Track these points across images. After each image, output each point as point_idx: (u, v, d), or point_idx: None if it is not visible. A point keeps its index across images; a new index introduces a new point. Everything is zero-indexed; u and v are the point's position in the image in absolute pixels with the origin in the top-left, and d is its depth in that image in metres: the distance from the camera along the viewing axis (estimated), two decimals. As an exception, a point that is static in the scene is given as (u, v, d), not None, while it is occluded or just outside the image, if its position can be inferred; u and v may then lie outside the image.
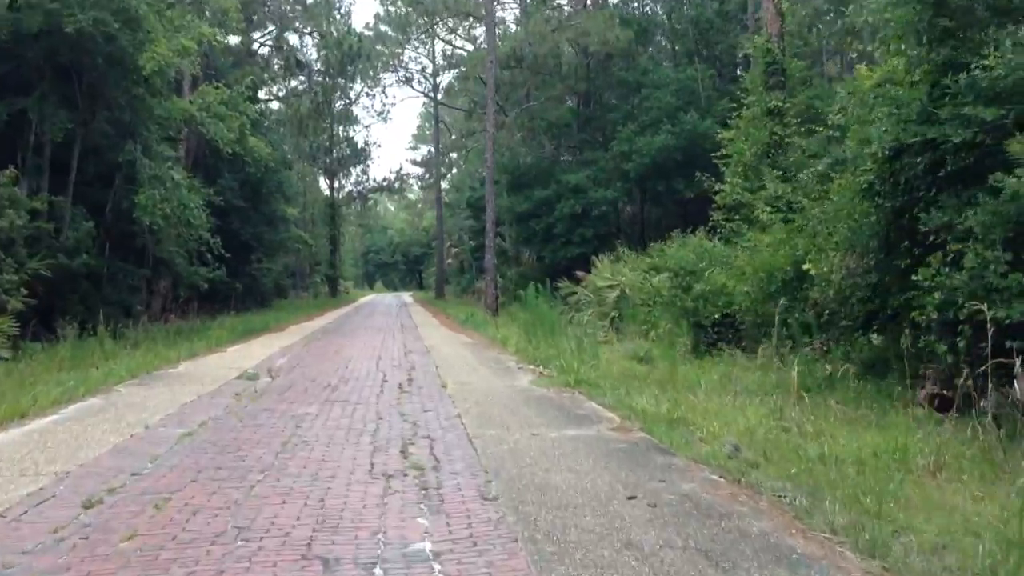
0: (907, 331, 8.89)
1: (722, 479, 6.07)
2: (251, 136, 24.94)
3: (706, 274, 17.24)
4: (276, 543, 4.81)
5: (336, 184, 64.52)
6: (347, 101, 53.30)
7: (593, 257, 25.76)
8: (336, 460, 7.02)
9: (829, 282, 11.66)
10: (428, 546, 4.72)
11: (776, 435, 7.58)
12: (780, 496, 5.51)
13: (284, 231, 42.30)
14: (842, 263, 11.53)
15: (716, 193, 19.68)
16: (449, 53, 47.74)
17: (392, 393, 10.99)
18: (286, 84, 45.04)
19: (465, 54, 44.65)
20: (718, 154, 20.45)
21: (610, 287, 21.26)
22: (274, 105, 49.47)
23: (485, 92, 46.22)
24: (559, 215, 31.16)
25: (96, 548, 4.82)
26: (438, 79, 51.87)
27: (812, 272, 11.88)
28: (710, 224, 19.87)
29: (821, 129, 16.16)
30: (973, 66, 8.48)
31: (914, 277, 8.39)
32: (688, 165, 30.06)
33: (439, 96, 52.04)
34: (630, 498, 5.50)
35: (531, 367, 13.51)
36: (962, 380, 7.95)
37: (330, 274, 60.55)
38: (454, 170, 71.06)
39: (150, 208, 19.63)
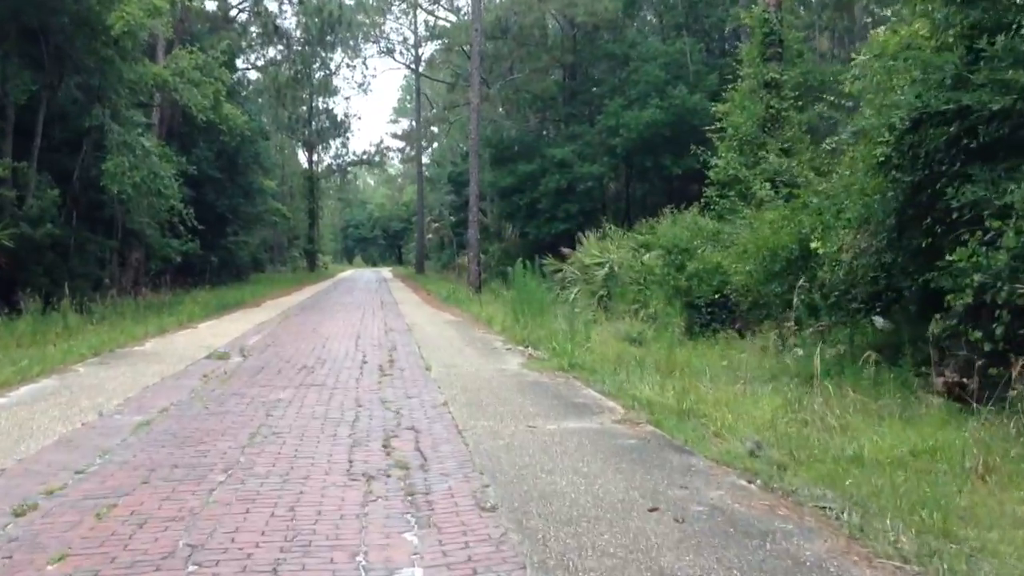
0: (936, 317, 8.13)
1: (752, 485, 5.30)
2: (227, 104, 23.77)
3: (700, 252, 16.52)
4: (234, 569, 3.98)
5: (315, 157, 63.29)
6: (327, 72, 51.90)
7: (579, 234, 24.95)
8: (310, 456, 6.19)
9: (838, 262, 10.92)
10: (418, 574, 3.91)
11: (797, 429, 6.82)
12: (824, 509, 4.75)
13: (261, 203, 41.17)
14: (853, 242, 10.79)
15: (710, 168, 18.90)
16: (432, 24, 46.49)
17: (373, 376, 10.16)
18: (264, 52, 43.73)
19: (448, 25, 43.45)
20: (712, 128, 19.60)
21: (598, 265, 20.46)
22: (252, 75, 48.18)
23: (468, 64, 45.09)
24: (544, 190, 30.29)
25: (17, 573, 3.98)
26: (420, 51, 50.68)
27: (820, 251, 11.12)
28: (703, 200, 19.08)
29: (824, 100, 15.44)
30: (1015, 26, 7.69)
31: (949, 257, 7.62)
32: (676, 141, 29.26)
33: (421, 68, 50.80)
34: (652, 510, 4.72)
35: (520, 348, 12.71)
36: (980, 368, 7.33)
37: (308, 248, 59.38)
38: (435, 144, 69.87)
39: (118, 176, 18.57)
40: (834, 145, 10.73)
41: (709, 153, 19.02)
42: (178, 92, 22.14)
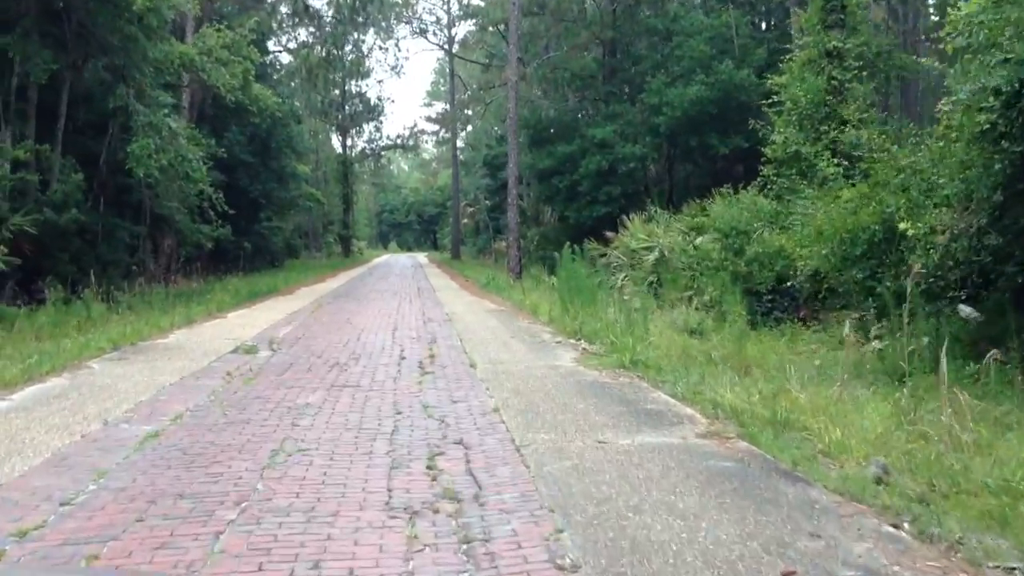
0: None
1: (901, 532, 4.13)
2: (256, 84, 22.81)
3: (760, 235, 15.29)
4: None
5: (349, 142, 62.44)
6: (359, 54, 50.85)
7: (622, 217, 23.70)
8: (341, 482, 5.12)
9: (932, 245, 9.65)
10: None
11: (921, 446, 5.63)
12: (1014, 572, 3.58)
13: (295, 188, 40.30)
14: (951, 222, 9.52)
15: (766, 145, 17.61)
16: (466, 2, 45.19)
17: (412, 375, 9.10)
18: (295, 33, 42.73)
19: (483, 3, 42.14)
20: (767, 102, 18.29)
21: (647, 249, 19.24)
22: (285, 59, 47.34)
23: (503, 44, 43.86)
24: (584, 172, 29.03)
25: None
26: (454, 31, 49.43)
27: (910, 233, 9.86)
28: (761, 179, 17.80)
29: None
30: None
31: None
32: (722, 119, 27.93)
33: (455, 49, 49.59)
34: (787, 575, 3.57)
35: (572, 342, 11.58)
36: None
37: (343, 234, 58.59)
38: (469, 127, 68.76)
39: (144, 159, 17.66)
40: (955, 103, 9.30)
41: (768, 128, 17.71)
42: (206, 72, 21.21)
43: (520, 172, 31.20)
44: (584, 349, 10.78)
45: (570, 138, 30.04)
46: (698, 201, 22.57)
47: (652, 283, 18.50)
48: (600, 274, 24.16)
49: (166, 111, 19.06)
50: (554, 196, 31.05)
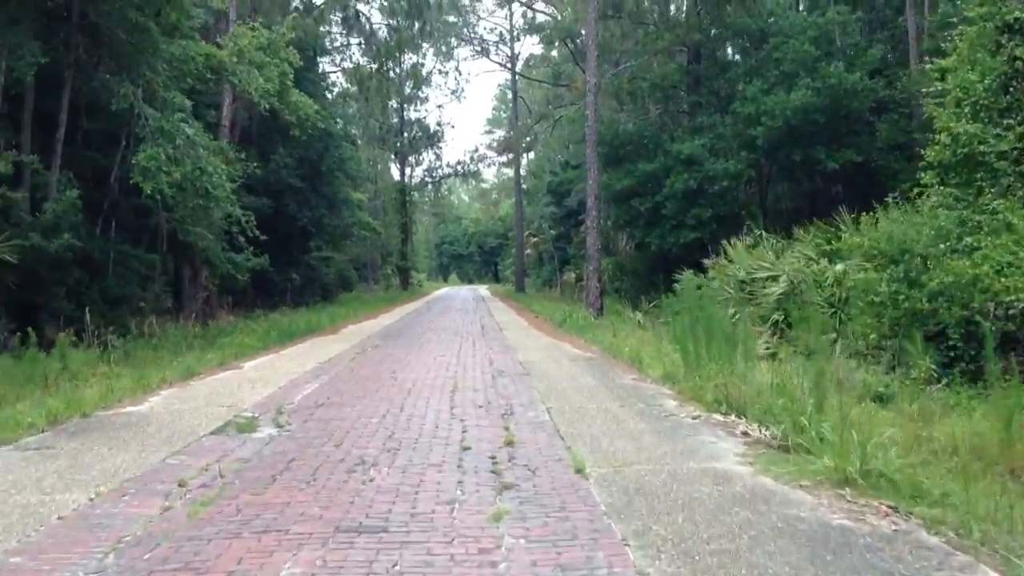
0: None
1: None
2: (295, 92, 19.46)
3: (944, 259, 11.25)
4: None
5: (408, 170, 59.55)
6: (418, 77, 47.83)
7: (715, 243, 19.85)
8: None
9: None
10: None
11: None
12: None
13: (348, 216, 37.10)
14: None
15: (930, 145, 13.55)
16: (531, 16, 41.83)
17: (480, 494, 5.26)
18: (348, 52, 39.69)
19: (548, 17, 38.74)
20: (929, 90, 14.27)
21: (770, 279, 15.25)
22: (342, 82, 44.58)
23: (570, 62, 40.37)
24: (668, 192, 25.11)
25: None
26: (517, 48, 46.09)
27: None
28: (917, 189, 13.73)
29: None
30: None
31: None
32: (830, 129, 23.88)
33: (518, 68, 46.25)
34: None
35: (718, 418, 7.63)
36: None
37: (401, 265, 55.26)
38: (531, 155, 65.39)
39: (153, 171, 14.33)
40: None
41: (933, 126, 13.65)
42: (236, 76, 17.96)
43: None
44: (746, 434, 6.83)
45: (651, 155, 26.20)
46: (812, 223, 18.80)
47: (778, 323, 14.53)
48: (740, 313, 20.47)
49: (182, 115, 15.71)
50: (633, 221, 27.14)
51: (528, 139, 39.16)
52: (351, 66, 35.82)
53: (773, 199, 28.12)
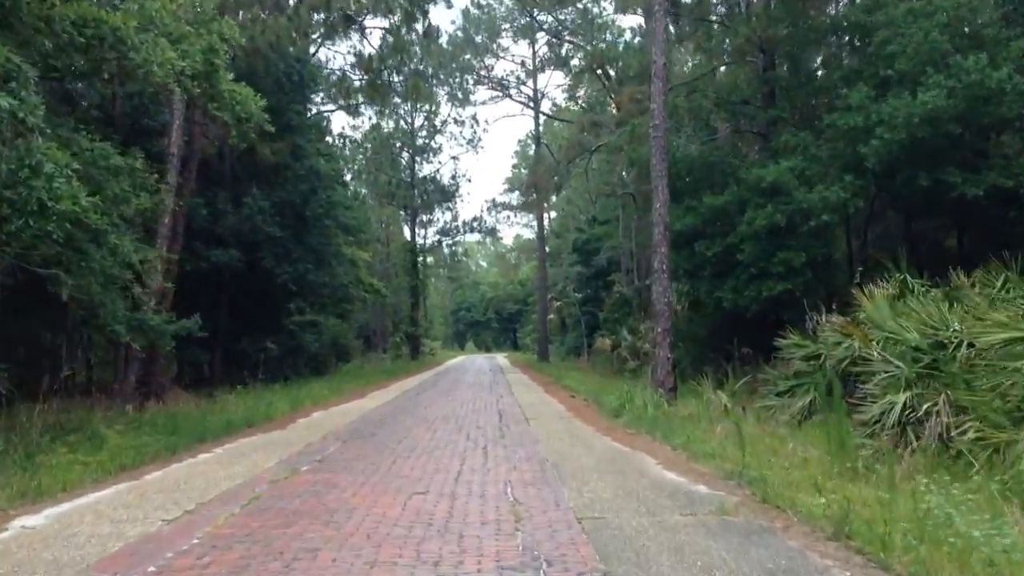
0: None
1: None
2: (229, 79, 13.10)
3: None
4: None
5: (420, 231, 53.44)
6: (431, 126, 42.00)
7: (859, 290, 13.32)
8: None
9: None
10: None
11: None
12: None
13: (343, 275, 30.69)
14: None
15: None
16: (556, 45, 35.76)
17: None
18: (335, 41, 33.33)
19: (572, 47, 32.74)
20: None
21: (938, 346, 8.76)
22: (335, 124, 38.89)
23: (598, 95, 34.44)
24: (746, 231, 18.51)
25: None
26: (540, 82, 40.06)
27: None
28: None
29: None
30: None
31: None
32: (964, 145, 17.41)
33: (541, 109, 40.23)
34: None
35: None
36: None
37: (410, 332, 48.46)
38: (552, 214, 59.29)
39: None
40: None
41: None
42: (137, 52, 11.68)
43: (640, 239, 21.07)
44: None
45: (721, 184, 19.75)
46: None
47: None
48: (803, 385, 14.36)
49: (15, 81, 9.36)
50: (695, 271, 20.49)
51: (555, 179, 32.72)
52: (337, 77, 29.28)
53: (875, 239, 21.51)
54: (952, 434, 8.47)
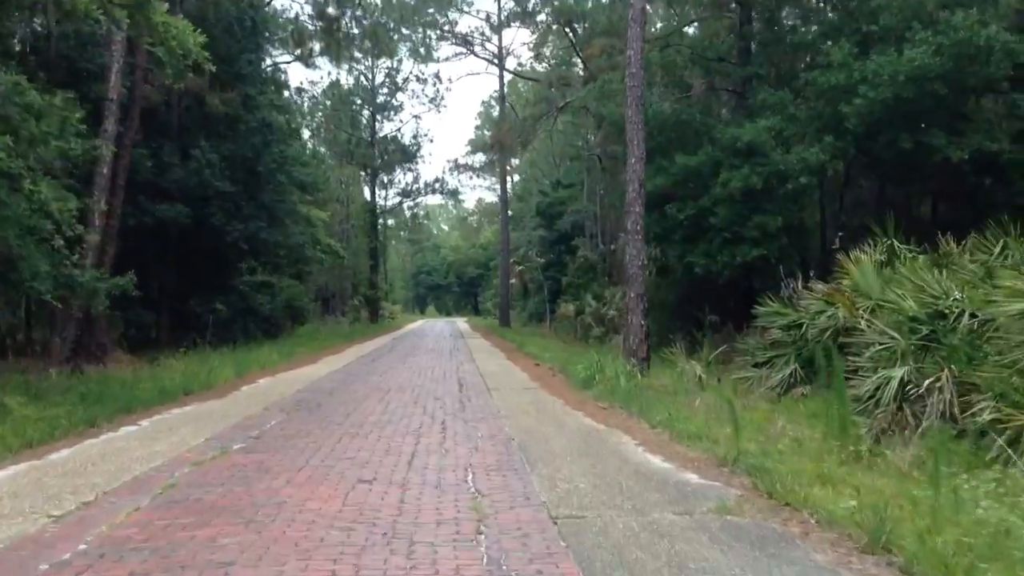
0: None
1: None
2: (161, 7, 11.70)
3: None
4: None
5: (380, 191, 51.80)
6: (392, 82, 40.36)
7: (846, 256, 12.51)
8: None
9: None
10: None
11: None
12: None
13: (299, 233, 29.26)
14: None
15: None
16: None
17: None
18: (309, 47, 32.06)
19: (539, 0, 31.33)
20: None
21: (938, 315, 7.98)
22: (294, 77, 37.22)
23: (563, 53, 33.13)
24: (720, 194, 17.58)
25: None
26: (504, 43, 38.54)
27: None
28: None
29: None
30: None
31: None
32: (949, 106, 16.63)
33: (505, 66, 38.72)
34: None
35: None
36: None
37: (369, 295, 46.99)
38: (516, 177, 57.98)
39: None
40: None
41: None
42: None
43: (607, 201, 20.09)
44: None
45: (695, 143, 18.77)
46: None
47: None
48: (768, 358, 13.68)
49: None
50: (666, 234, 19.50)
51: (519, 137, 31.43)
52: (293, 26, 27.55)
53: (848, 205, 20.72)
54: (962, 414, 7.62)
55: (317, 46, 30.81)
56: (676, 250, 19.49)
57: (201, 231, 23.52)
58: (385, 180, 51.72)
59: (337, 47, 26.21)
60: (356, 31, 32.10)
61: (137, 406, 10.14)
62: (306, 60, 29.37)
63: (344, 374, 15.56)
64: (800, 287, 13.58)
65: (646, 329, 12.96)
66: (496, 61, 38.70)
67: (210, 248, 24.39)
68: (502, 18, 36.57)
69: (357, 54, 39.77)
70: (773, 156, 17.41)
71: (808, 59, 19.02)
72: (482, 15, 39.04)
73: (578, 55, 29.53)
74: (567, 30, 29.34)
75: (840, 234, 17.50)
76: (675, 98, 20.09)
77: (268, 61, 31.23)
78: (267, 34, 26.37)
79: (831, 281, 12.93)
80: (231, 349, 21.09)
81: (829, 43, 17.96)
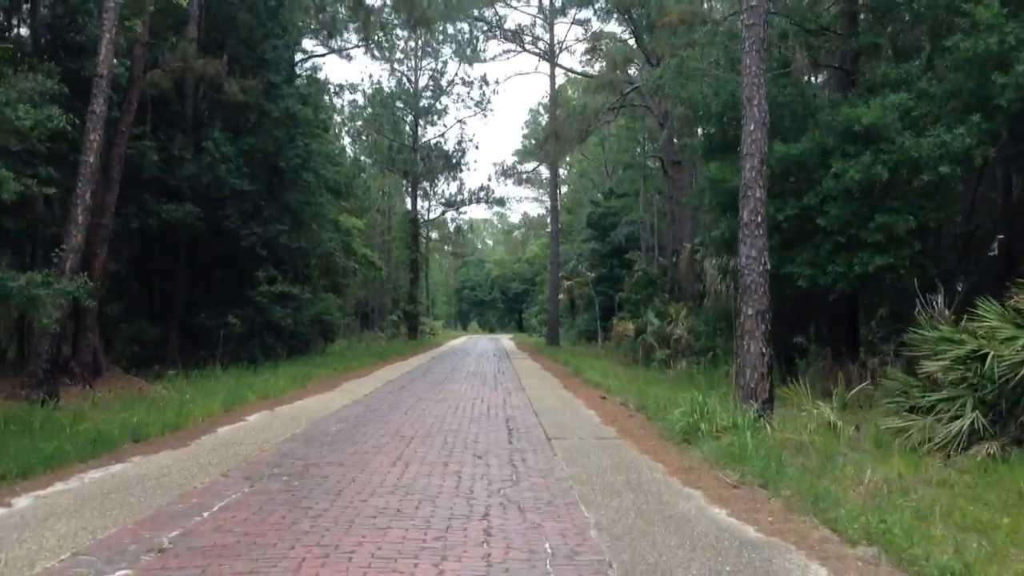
0: None
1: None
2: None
3: None
4: None
5: (423, 203, 48.67)
6: (436, 85, 37.22)
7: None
8: None
9: None
10: None
11: None
12: None
13: (327, 240, 26.04)
14: None
15: None
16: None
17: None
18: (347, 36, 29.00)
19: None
20: None
21: None
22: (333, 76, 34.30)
23: (625, 48, 29.63)
24: (832, 186, 13.91)
25: None
26: (557, 36, 34.99)
27: None
28: None
29: None
30: None
31: None
32: None
33: (556, 61, 35.21)
34: None
35: None
36: None
37: (409, 310, 43.60)
38: (565, 188, 54.54)
39: None
40: None
41: None
42: None
43: (702, 199, 16.54)
44: None
45: (795, 130, 15.14)
46: None
47: None
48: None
49: None
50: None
51: (577, 127, 27.86)
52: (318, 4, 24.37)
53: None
54: None
55: (354, 37, 27.81)
56: (771, 259, 15.71)
57: (214, 235, 20.44)
58: (428, 190, 48.61)
59: (370, 28, 22.91)
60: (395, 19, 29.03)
61: (37, 467, 6.78)
62: (340, 52, 26.24)
63: (361, 408, 12.08)
64: (945, 306, 9.80)
65: (768, 360, 9.27)
66: (547, 56, 35.26)
67: (225, 254, 21.27)
68: (555, 5, 33.12)
69: (398, 41, 36.69)
70: (901, 141, 13.63)
71: (940, 23, 15.15)
72: (533, 7, 35.63)
73: (639, 44, 26.00)
74: (626, 17, 25.81)
75: (1000, 236, 13.60)
76: (772, 75, 16.39)
77: (300, 56, 28.36)
78: (290, 14, 23.23)
79: (1005, 300, 9.22)
80: (244, 368, 17.89)
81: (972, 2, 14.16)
